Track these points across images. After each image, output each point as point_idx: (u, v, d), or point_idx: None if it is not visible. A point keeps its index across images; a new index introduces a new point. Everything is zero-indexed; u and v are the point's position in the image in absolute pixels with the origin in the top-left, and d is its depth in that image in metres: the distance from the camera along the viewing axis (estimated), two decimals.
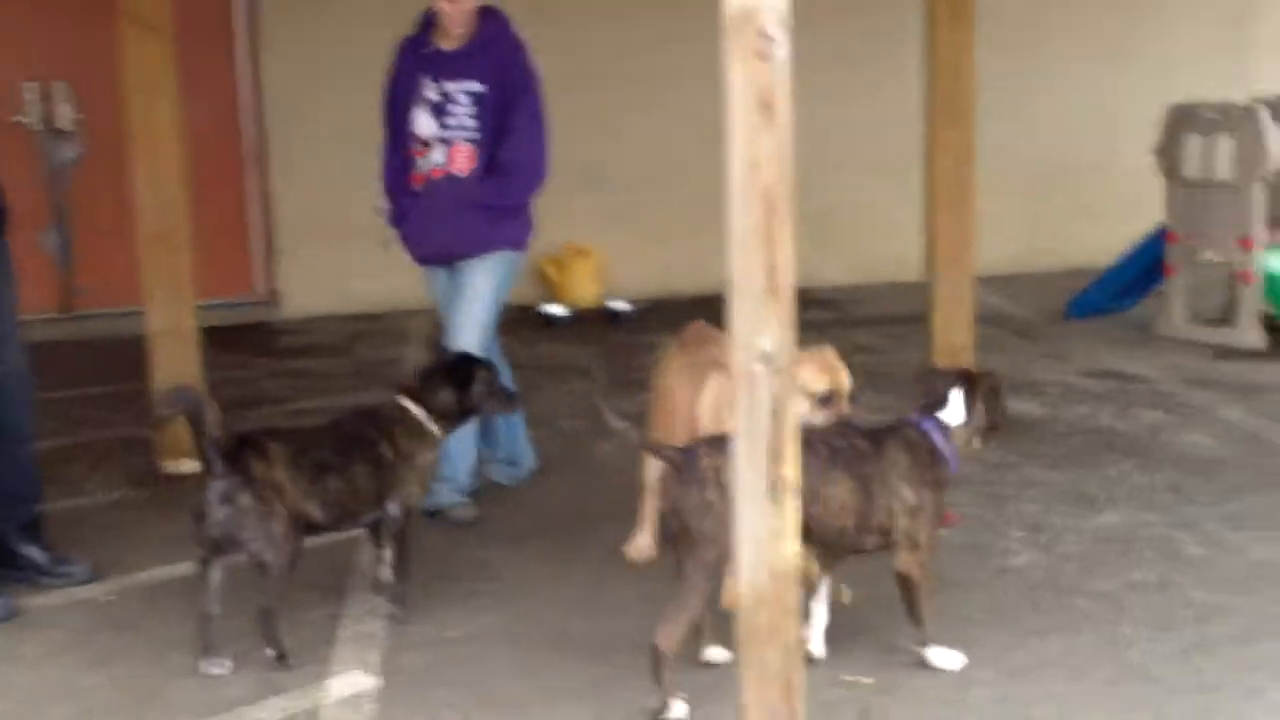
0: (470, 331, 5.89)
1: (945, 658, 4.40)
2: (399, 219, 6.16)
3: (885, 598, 4.54)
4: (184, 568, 4.88)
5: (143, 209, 6.55)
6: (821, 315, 9.56)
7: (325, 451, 4.67)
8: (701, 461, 4.13)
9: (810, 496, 3.98)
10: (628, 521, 5.44)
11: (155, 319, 6.61)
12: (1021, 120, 10.82)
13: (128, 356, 7.41)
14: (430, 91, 5.96)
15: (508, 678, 4.44)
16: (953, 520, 5.32)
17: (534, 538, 5.69)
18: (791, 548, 3.30)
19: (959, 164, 7.12)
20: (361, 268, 9.91)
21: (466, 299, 5.99)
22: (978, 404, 4.38)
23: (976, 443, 4.43)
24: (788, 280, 3.21)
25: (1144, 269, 9.49)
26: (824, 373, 4.53)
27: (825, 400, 4.50)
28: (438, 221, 6.01)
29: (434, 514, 5.79)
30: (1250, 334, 8.58)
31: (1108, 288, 9.66)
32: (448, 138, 5.94)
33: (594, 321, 10.02)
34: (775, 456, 3.25)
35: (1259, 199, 8.50)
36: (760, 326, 3.20)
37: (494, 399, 5.22)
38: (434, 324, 7.01)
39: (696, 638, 4.39)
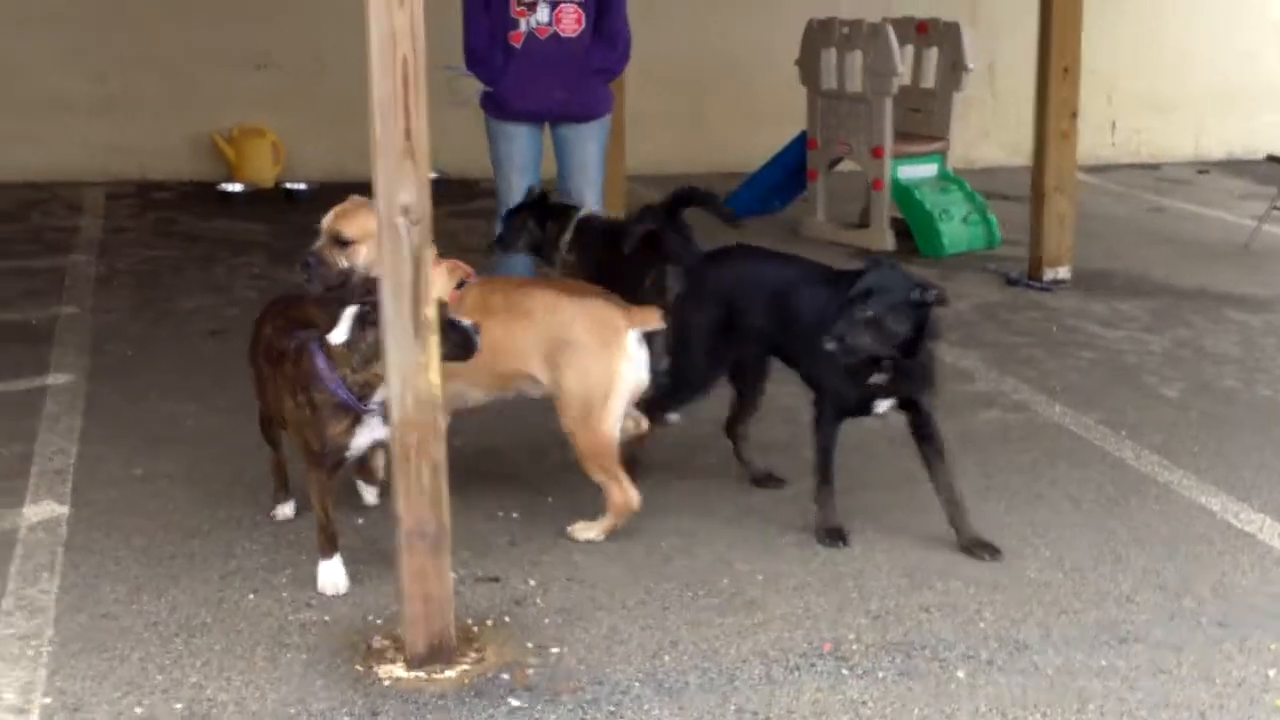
0: (596, 197, 6.61)
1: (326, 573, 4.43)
2: (495, 76, 6.60)
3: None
4: None
5: None
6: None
7: None
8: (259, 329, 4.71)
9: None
10: None
11: None
12: (679, 24, 11.41)
13: None
14: None
15: (190, 509, 4.96)
16: None
17: (215, 393, 6.08)
18: (434, 377, 3.84)
19: None
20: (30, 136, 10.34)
21: (588, 164, 6.67)
22: (367, 329, 4.20)
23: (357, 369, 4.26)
24: (423, 144, 3.75)
25: (788, 173, 10.28)
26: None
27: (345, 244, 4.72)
28: (544, 79, 6.53)
29: None
30: (882, 236, 9.44)
31: (756, 190, 10.34)
32: None
33: (271, 200, 10.42)
34: (417, 298, 3.81)
35: (888, 111, 9.27)
36: (400, 184, 3.74)
37: None
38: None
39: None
